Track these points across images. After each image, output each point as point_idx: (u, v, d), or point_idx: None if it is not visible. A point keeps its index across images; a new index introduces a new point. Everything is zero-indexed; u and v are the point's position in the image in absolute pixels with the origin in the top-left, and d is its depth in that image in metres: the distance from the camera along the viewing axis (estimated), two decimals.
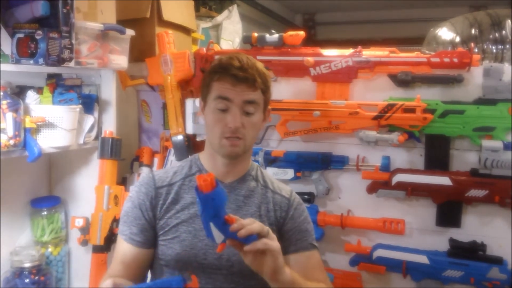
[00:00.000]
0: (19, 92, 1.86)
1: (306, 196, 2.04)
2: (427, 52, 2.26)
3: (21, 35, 1.71)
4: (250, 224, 1.17)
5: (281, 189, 1.49)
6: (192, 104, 2.16)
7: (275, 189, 1.47)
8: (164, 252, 1.40)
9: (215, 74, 1.38)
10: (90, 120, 2.04)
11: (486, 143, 1.77)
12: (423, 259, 1.87)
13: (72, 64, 1.80)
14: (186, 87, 2.27)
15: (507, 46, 2.36)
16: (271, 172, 2.06)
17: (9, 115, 1.67)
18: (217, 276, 1.37)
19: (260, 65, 1.40)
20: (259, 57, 2.06)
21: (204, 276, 1.36)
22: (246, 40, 2.12)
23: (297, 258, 1.42)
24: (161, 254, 1.41)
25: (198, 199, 1.13)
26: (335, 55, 2.00)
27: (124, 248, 1.43)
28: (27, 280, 1.96)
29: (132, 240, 1.42)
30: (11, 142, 1.68)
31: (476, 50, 2.38)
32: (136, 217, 1.43)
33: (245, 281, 1.38)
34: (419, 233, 1.95)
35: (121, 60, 2.09)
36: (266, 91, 1.40)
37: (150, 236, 1.42)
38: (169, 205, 1.42)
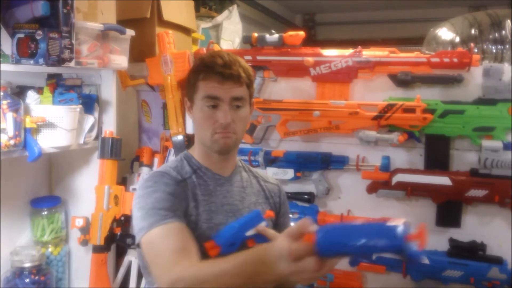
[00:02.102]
0: (19, 92, 1.86)
1: (306, 196, 2.04)
2: (427, 52, 2.27)
3: (21, 35, 1.71)
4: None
5: (267, 177, 1.57)
6: None
7: (264, 178, 1.55)
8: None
9: (200, 73, 1.38)
10: (90, 120, 2.04)
11: (486, 143, 1.77)
12: (423, 259, 1.87)
13: (72, 64, 1.80)
14: (187, 88, 2.26)
15: (507, 46, 2.37)
16: (271, 172, 2.07)
17: (10, 115, 1.67)
18: None
19: (242, 60, 1.42)
20: (259, 57, 2.07)
21: None
22: (246, 40, 2.12)
23: None
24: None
25: None
26: (335, 55, 2.00)
27: (182, 228, 1.23)
28: (27, 280, 1.96)
29: (181, 217, 1.26)
30: (12, 142, 1.68)
31: (476, 50, 2.39)
32: (174, 202, 1.28)
33: None
34: None
35: (121, 60, 2.10)
36: (250, 85, 1.43)
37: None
38: (187, 205, 1.34)
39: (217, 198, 1.42)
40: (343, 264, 2.01)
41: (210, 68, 1.37)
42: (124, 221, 2.03)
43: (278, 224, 1.50)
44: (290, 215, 2.03)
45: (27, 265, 1.97)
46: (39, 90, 1.91)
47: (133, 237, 1.93)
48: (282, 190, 1.58)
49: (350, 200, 2.04)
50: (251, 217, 1.34)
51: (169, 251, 1.16)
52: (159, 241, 1.19)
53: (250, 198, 1.46)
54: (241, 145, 2.10)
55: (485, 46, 2.41)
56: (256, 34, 2.09)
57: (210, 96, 1.36)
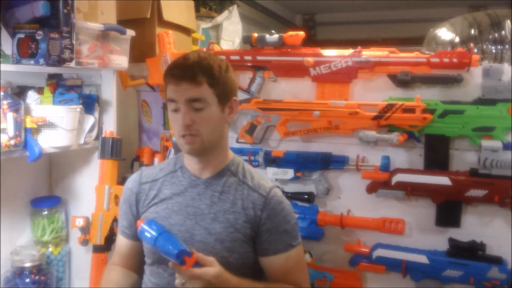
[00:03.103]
0: (19, 92, 1.86)
1: (306, 196, 2.05)
2: (426, 52, 2.27)
3: (21, 35, 1.71)
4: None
5: (260, 186, 1.45)
6: None
7: (254, 186, 1.45)
8: (145, 245, 1.48)
9: (165, 78, 1.40)
10: (90, 120, 2.04)
11: (486, 143, 1.77)
12: (422, 259, 1.87)
13: (72, 64, 1.81)
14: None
15: (507, 46, 2.37)
16: (271, 172, 2.07)
17: (10, 115, 1.68)
18: None
19: (210, 59, 1.37)
20: (259, 57, 2.07)
21: None
22: (246, 40, 2.12)
23: (275, 260, 1.44)
24: (144, 247, 1.49)
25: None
26: (335, 55, 2.00)
27: (120, 239, 1.57)
28: (27, 280, 1.96)
29: (123, 232, 1.55)
30: (12, 142, 1.68)
31: (476, 50, 2.39)
32: (125, 211, 1.53)
33: None
34: (418, 233, 1.95)
35: (121, 60, 2.10)
36: (214, 84, 1.36)
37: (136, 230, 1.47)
38: (151, 201, 1.48)
39: (184, 198, 1.44)
40: (343, 264, 2.03)
41: (170, 70, 1.38)
42: None
43: (260, 241, 1.42)
44: None
45: (28, 265, 1.97)
46: (40, 90, 1.91)
47: None
48: (272, 204, 1.43)
49: (350, 200, 2.04)
50: (170, 250, 1.26)
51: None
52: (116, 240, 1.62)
53: (223, 204, 1.42)
54: (241, 145, 2.12)
55: (484, 46, 2.41)
56: (256, 34, 2.09)
57: (169, 99, 1.38)
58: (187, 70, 1.34)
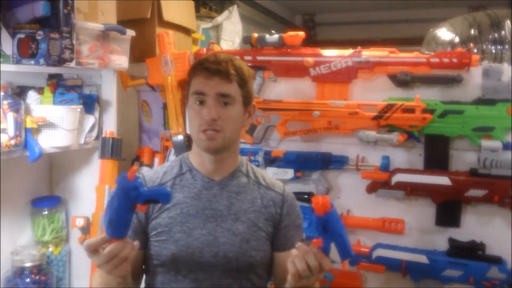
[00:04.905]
0: (20, 92, 1.86)
1: (306, 196, 2.05)
2: (426, 52, 2.27)
3: (22, 36, 1.71)
4: None
5: (274, 184, 1.50)
6: None
7: (268, 185, 1.48)
8: (159, 253, 1.40)
9: (193, 71, 1.41)
10: (90, 120, 2.04)
11: (486, 143, 1.78)
12: (422, 259, 1.88)
13: (73, 64, 1.81)
14: (186, 87, 2.27)
15: (506, 47, 2.37)
16: (271, 172, 2.07)
17: (10, 115, 1.68)
18: (215, 272, 1.38)
19: (239, 61, 1.41)
20: (259, 58, 2.08)
21: (201, 272, 1.38)
22: (246, 40, 2.13)
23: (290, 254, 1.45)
24: (155, 255, 1.40)
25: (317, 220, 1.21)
26: (335, 55, 2.01)
27: None
28: (27, 280, 1.96)
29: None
30: (12, 142, 1.69)
31: (475, 51, 2.40)
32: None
33: (243, 275, 1.40)
34: (418, 232, 1.96)
35: (121, 61, 2.10)
36: (243, 85, 1.40)
37: (142, 238, 1.41)
38: (161, 206, 1.41)
39: (200, 201, 1.41)
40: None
41: (200, 64, 1.39)
42: None
43: (279, 237, 1.45)
44: None
45: (28, 264, 1.97)
46: (40, 90, 1.91)
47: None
48: (289, 201, 1.48)
49: (349, 200, 2.05)
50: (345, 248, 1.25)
51: None
52: None
53: (241, 205, 1.42)
54: (241, 145, 2.12)
55: (484, 47, 2.41)
56: (256, 35, 2.09)
57: (197, 92, 1.38)
58: (221, 65, 1.36)
